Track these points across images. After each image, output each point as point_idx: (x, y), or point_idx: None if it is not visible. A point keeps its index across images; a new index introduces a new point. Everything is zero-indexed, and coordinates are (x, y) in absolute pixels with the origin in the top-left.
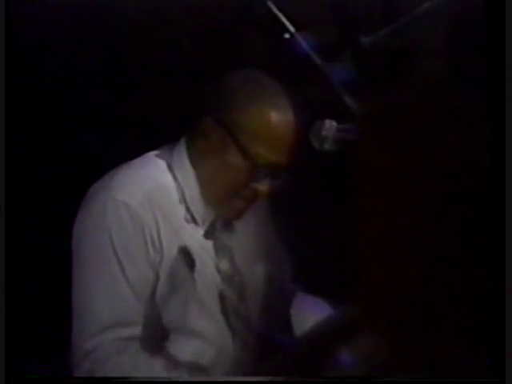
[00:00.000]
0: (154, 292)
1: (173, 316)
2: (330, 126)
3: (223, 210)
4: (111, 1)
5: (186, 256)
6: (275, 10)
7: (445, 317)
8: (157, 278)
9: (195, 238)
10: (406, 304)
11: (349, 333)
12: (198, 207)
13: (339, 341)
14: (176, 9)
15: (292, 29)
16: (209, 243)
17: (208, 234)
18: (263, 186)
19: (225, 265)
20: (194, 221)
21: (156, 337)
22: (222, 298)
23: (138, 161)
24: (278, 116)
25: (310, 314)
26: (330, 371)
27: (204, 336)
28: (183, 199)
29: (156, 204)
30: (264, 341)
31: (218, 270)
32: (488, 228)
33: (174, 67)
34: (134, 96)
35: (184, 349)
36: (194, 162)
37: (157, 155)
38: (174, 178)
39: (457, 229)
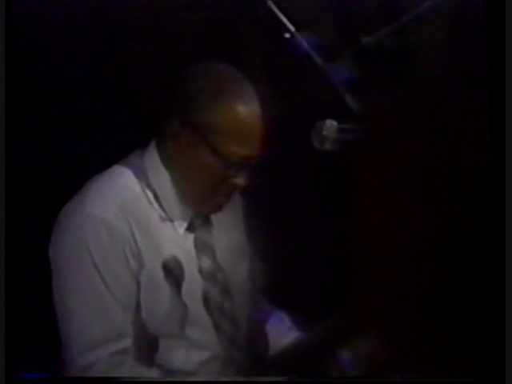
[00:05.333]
0: (138, 301)
1: (158, 323)
2: (330, 125)
3: (203, 207)
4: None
5: (166, 261)
6: (275, 10)
7: (445, 317)
8: (138, 287)
9: (174, 240)
10: (406, 304)
11: (349, 333)
12: (175, 208)
13: (339, 341)
14: (176, 8)
15: (292, 28)
16: (189, 242)
17: (187, 234)
18: (240, 180)
19: (206, 262)
20: (172, 222)
21: (147, 346)
22: (205, 297)
23: (110, 171)
24: (244, 109)
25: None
26: (330, 371)
27: (191, 339)
28: (158, 203)
29: (131, 213)
30: (253, 339)
31: (200, 269)
32: (488, 228)
33: (174, 67)
34: (133, 96)
35: (173, 355)
36: (167, 165)
37: (128, 161)
38: (147, 182)
39: (457, 229)
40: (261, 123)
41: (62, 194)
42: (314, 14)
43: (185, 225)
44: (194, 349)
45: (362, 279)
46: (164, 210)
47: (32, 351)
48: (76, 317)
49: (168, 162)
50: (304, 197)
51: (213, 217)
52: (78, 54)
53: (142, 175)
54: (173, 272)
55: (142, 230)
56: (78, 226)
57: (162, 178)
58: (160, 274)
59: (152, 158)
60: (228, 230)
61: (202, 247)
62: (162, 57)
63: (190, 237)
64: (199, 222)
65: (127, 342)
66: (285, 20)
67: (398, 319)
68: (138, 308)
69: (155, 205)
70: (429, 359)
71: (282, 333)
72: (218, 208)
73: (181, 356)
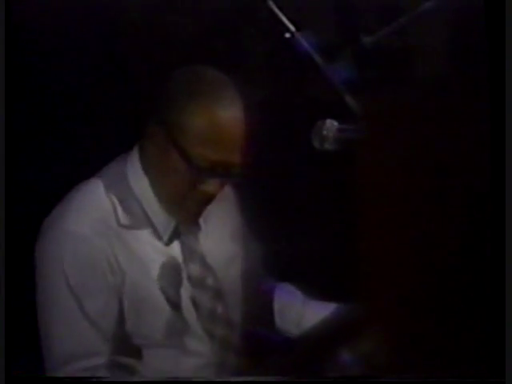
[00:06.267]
0: (121, 317)
1: (145, 335)
2: (331, 125)
3: (178, 214)
4: (112, 1)
5: (149, 273)
6: (276, 10)
7: (445, 317)
8: (121, 303)
9: (159, 249)
10: (406, 304)
11: (349, 333)
12: (158, 216)
13: (339, 341)
14: (176, 9)
15: (293, 28)
16: (175, 251)
17: (172, 242)
18: (211, 187)
19: (194, 270)
20: (156, 231)
21: (127, 358)
22: (195, 304)
23: (91, 181)
24: (220, 113)
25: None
26: (330, 371)
27: (182, 347)
28: (142, 211)
29: (111, 227)
30: (249, 338)
31: (189, 276)
32: (489, 228)
33: (174, 67)
34: (134, 95)
35: (159, 363)
36: (145, 169)
37: (111, 168)
38: (131, 191)
39: (458, 228)
40: (239, 130)
41: (61, 194)
42: (314, 14)
43: (169, 232)
44: (187, 356)
45: (362, 279)
46: (148, 218)
47: (32, 351)
48: (50, 332)
49: (147, 166)
50: (304, 197)
51: (201, 220)
52: (78, 54)
53: (123, 183)
54: (161, 281)
55: (124, 244)
56: (56, 242)
57: (143, 184)
58: (145, 285)
59: (133, 164)
60: (218, 232)
61: (188, 254)
62: (162, 57)
63: (176, 244)
64: (184, 228)
65: (99, 360)
66: (285, 20)
67: (398, 319)
68: (121, 324)
69: (138, 214)
70: (429, 359)
71: (290, 303)
72: (194, 216)
73: (172, 364)
